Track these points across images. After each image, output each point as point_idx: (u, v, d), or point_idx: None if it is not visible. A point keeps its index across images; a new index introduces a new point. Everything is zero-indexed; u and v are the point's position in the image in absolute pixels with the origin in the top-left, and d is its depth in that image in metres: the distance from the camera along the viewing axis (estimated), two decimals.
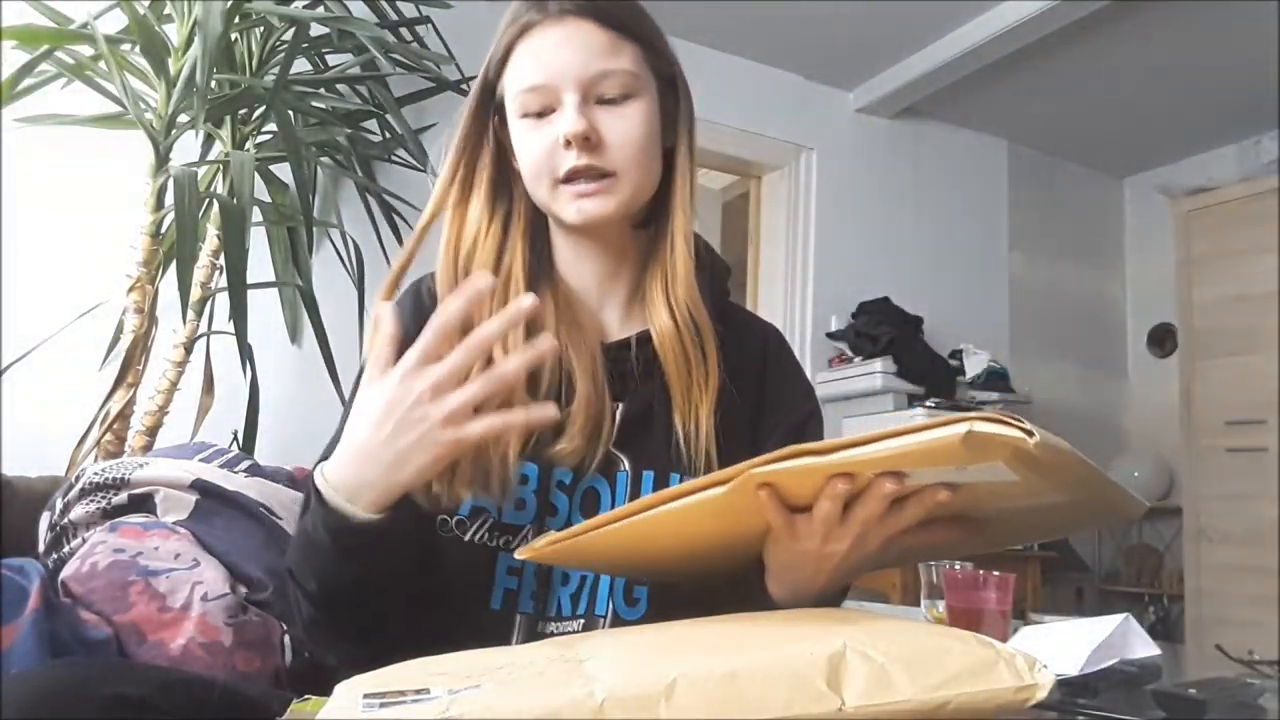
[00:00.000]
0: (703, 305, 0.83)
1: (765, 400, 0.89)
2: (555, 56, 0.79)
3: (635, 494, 0.80)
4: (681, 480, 0.80)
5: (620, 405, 0.83)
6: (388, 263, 2.26)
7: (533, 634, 0.78)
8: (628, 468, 0.82)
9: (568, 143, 0.78)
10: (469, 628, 0.79)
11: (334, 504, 0.68)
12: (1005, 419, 0.53)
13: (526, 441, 0.79)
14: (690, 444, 0.81)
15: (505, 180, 0.86)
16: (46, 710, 0.58)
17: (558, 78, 0.78)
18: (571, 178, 0.79)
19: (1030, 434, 0.52)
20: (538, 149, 0.80)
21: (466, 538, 0.79)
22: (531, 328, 0.80)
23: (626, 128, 0.80)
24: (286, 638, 1.11)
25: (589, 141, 0.78)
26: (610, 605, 0.79)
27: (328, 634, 0.77)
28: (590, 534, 0.65)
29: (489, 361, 0.68)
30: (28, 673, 0.68)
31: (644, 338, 0.84)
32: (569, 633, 0.79)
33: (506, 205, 0.85)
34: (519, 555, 0.71)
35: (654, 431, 0.82)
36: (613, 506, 0.80)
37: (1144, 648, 1.04)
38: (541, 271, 0.86)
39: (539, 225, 0.88)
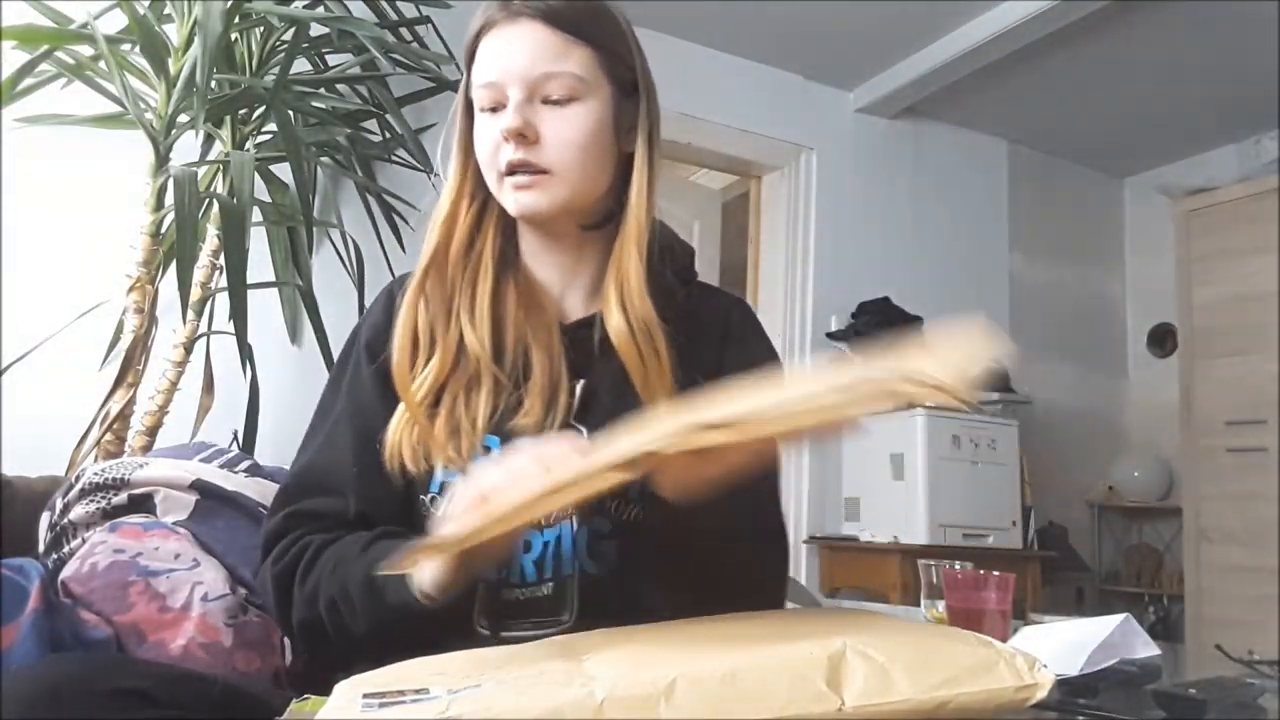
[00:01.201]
0: (652, 309, 0.85)
1: (724, 366, 0.91)
2: (506, 55, 0.82)
3: None
4: None
5: (581, 381, 0.86)
6: (388, 262, 2.26)
7: (496, 600, 0.81)
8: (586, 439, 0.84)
9: (506, 137, 0.81)
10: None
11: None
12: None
13: (492, 415, 0.83)
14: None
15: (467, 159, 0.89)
16: (48, 704, 0.58)
17: (505, 76, 0.82)
18: (512, 171, 0.83)
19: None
20: (487, 142, 0.84)
21: (438, 513, 0.81)
22: (496, 307, 0.86)
23: (565, 128, 0.82)
24: (286, 638, 1.11)
25: (524, 138, 0.81)
26: (577, 565, 0.82)
27: (316, 643, 0.81)
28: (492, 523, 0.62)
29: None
30: (29, 667, 0.68)
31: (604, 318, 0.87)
32: (540, 597, 0.82)
33: (484, 193, 0.88)
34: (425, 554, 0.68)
35: (614, 405, 0.84)
36: None
37: (1144, 648, 1.04)
38: (509, 257, 0.91)
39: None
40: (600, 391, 0.86)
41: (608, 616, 0.69)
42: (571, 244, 0.90)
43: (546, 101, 0.82)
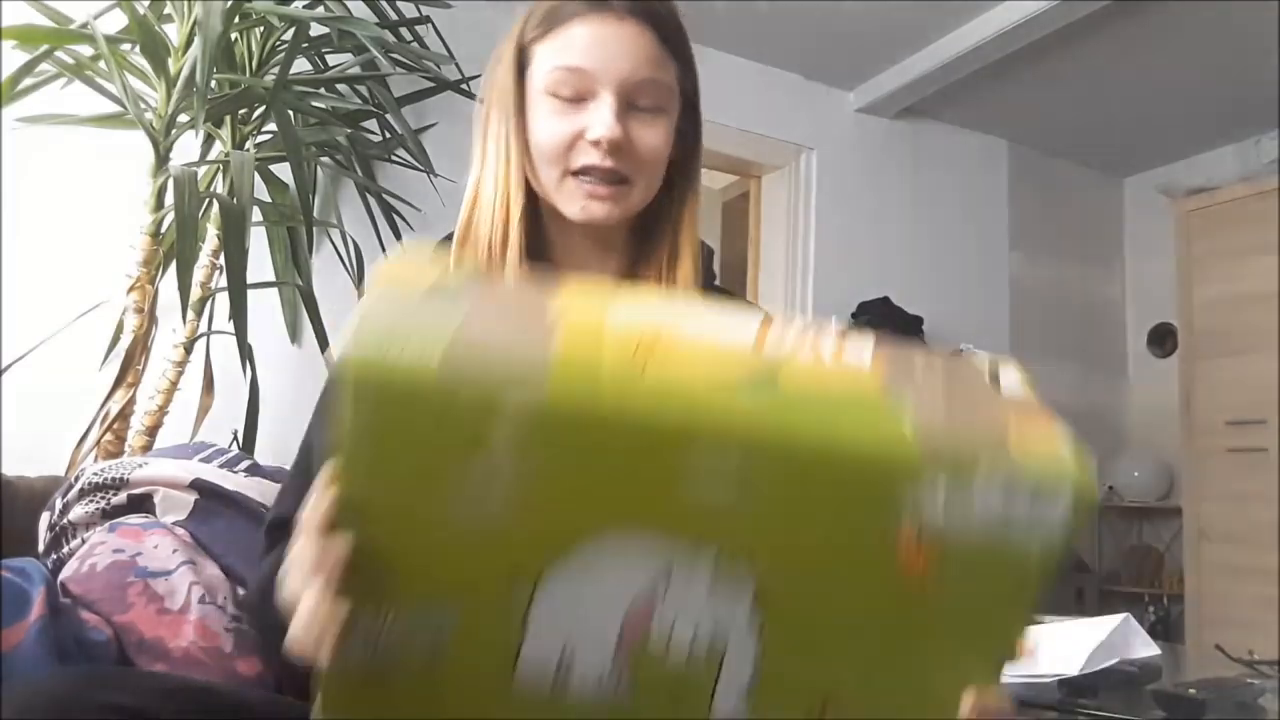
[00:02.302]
0: None
1: None
2: (607, 50, 0.78)
3: None
4: None
5: None
6: None
7: None
8: None
9: (597, 142, 0.78)
10: None
11: None
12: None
13: None
14: None
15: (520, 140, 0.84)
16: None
17: (603, 71, 0.78)
18: (586, 172, 0.79)
19: None
20: (559, 135, 0.79)
21: None
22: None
23: (654, 140, 0.81)
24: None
25: (620, 147, 0.78)
26: None
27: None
28: None
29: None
30: (29, 681, 0.67)
31: None
32: None
33: (520, 168, 0.83)
34: None
35: None
36: None
37: (1144, 648, 1.04)
38: (534, 247, 0.86)
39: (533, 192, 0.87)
40: None
41: None
42: (600, 239, 0.87)
43: (634, 108, 0.80)
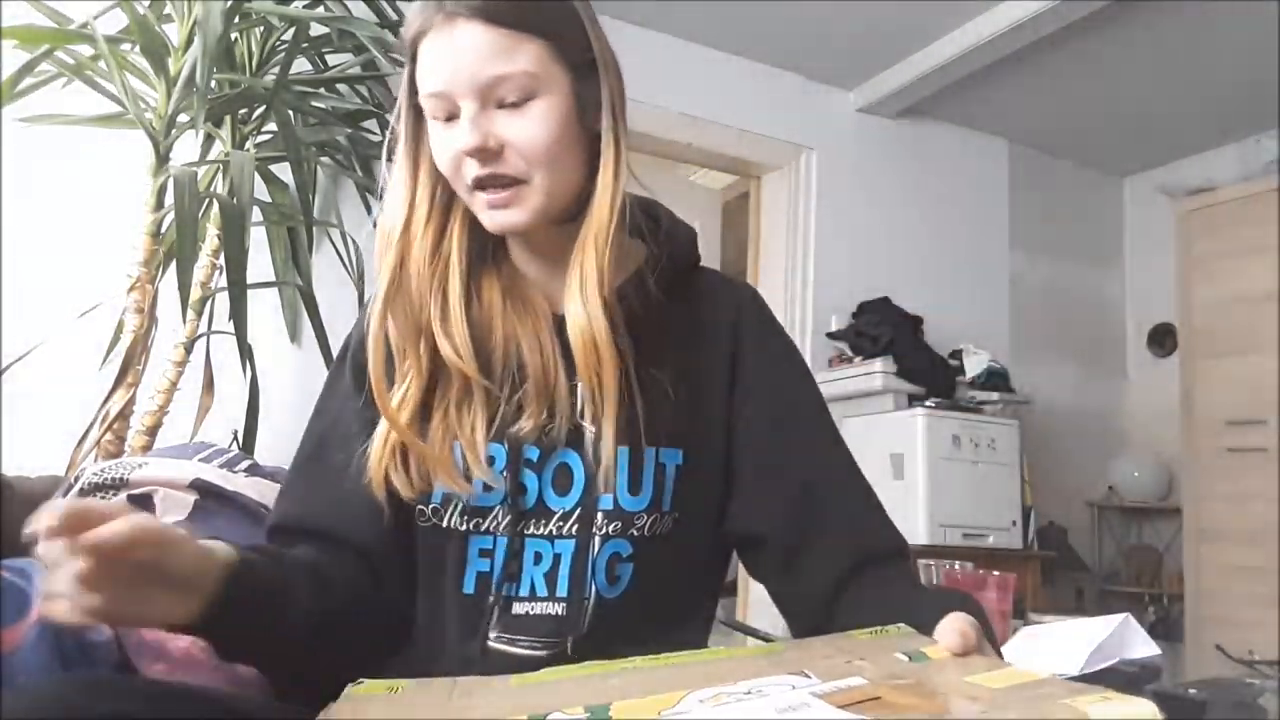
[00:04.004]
0: (602, 305, 0.78)
1: (738, 360, 0.87)
2: (449, 62, 0.75)
3: (596, 466, 0.78)
4: (632, 453, 0.79)
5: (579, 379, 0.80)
6: None
7: (507, 615, 0.78)
8: (592, 437, 0.79)
9: (469, 154, 0.76)
10: (443, 612, 0.81)
11: None
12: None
13: (491, 422, 0.79)
14: (638, 421, 0.79)
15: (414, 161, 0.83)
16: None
17: (453, 85, 0.75)
18: (480, 185, 0.77)
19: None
20: (447, 154, 0.78)
21: (444, 524, 0.80)
22: (476, 310, 0.82)
23: (530, 132, 0.76)
24: None
25: (487, 151, 0.76)
26: (593, 586, 0.79)
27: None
28: None
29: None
30: (26, 689, 0.66)
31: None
32: (550, 614, 0.78)
33: (445, 195, 0.82)
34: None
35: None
36: (585, 478, 0.79)
37: (1144, 648, 1.04)
38: (487, 252, 0.85)
39: None
40: None
41: (614, 642, 0.68)
42: (551, 242, 0.84)
43: (502, 105, 0.76)
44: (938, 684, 0.50)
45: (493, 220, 0.79)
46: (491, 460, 0.79)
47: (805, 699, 0.48)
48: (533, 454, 0.80)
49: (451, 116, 0.77)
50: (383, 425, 0.79)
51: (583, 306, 0.77)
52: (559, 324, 0.82)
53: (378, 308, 0.79)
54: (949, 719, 0.45)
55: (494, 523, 0.79)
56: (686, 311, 0.87)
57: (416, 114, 0.81)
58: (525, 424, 0.79)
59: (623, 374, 0.78)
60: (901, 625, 0.63)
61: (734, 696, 0.49)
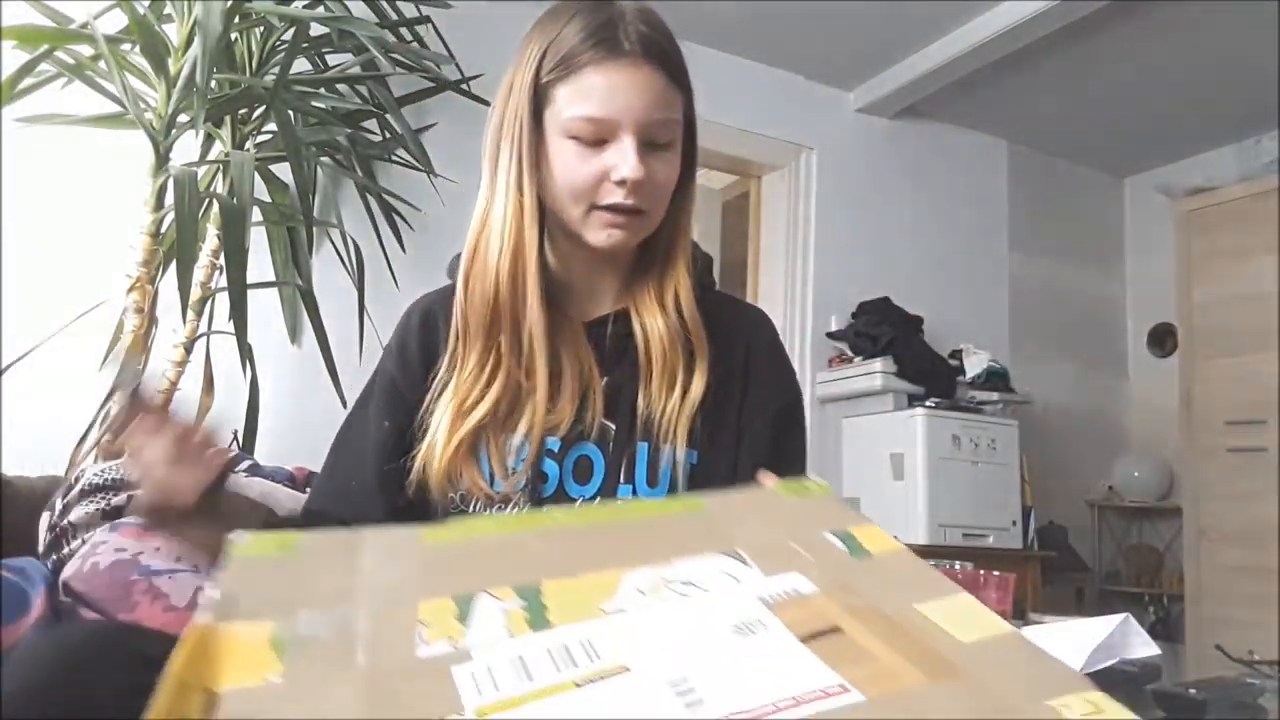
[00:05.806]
0: (696, 310, 0.89)
1: (751, 377, 0.94)
2: (622, 97, 0.82)
3: (618, 459, 0.86)
4: (650, 449, 0.87)
5: (605, 379, 0.89)
6: (388, 262, 2.26)
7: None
8: (614, 436, 0.87)
9: (622, 181, 0.82)
10: None
11: None
12: None
13: (529, 429, 0.86)
14: (661, 419, 0.87)
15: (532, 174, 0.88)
16: (69, 666, 0.60)
17: (622, 117, 0.82)
18: (611, 207, 0.84)
19: None
20: (584, 175, 0.83)
21: (471, 509, 0.85)
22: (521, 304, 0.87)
23: (666, 173, 0.85)
24: None
25: (640, 184, 0.82)
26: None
27: None
28: None
29: None
30: (51, 632, 0.70)
31: (620, 314, 0.91)
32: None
33: (539, 212, 0.87)
34: None
35: (634, 402, 0.88)
36: (604, 474, 0.86)
37: (1144, 648, 1.04)
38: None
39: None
40: (623, 388, 0.88)
41: None
42: (605, 256, 0.91)
43: (651, 145, 0.83)
44: (892, 612, 0.47)
45: (608, 238, 0.85)
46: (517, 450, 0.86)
47: (759, 613, 0.46)
48: (553, 444, 0.86)
49: (600, 141, 0.83)
50: (444, 425, 0.85)
51: (668, 316, 0.88)
52: (592, 328, 0.91)
53: (480, 320, 0.86)
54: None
55: (515, 509, 0.84)
56: (707, 329, 0.93)
57: (536, 121, 0.85)
58: (555, 417, 0.86)
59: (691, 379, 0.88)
60: (818, 480, 0.64)
61: (672, 588, 0.49)
